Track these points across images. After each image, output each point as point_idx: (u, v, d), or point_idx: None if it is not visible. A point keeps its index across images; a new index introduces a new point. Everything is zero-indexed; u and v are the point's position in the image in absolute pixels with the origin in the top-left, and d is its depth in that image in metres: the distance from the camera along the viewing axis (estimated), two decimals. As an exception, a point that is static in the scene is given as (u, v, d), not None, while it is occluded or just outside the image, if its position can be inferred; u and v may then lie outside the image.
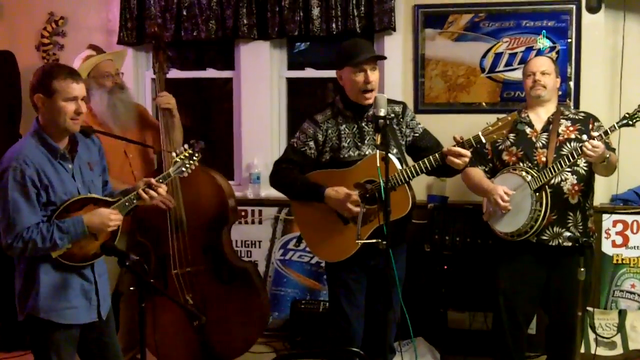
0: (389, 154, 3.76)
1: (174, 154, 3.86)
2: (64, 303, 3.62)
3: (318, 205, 4.21)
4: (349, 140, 4.23)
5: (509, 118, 3.95)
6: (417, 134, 4.35)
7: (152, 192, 3.71)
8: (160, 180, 3.78)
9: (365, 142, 4.23)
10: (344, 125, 4.24)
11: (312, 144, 4.26)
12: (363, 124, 4.24)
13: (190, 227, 4.95)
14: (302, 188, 4.26)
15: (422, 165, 4.03)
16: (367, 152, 4.21)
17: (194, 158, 3.87)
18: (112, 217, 3.61)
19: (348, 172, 4.19)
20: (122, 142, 4.81)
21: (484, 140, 3.95)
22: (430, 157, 4.02)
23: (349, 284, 4.30)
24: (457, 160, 3.94)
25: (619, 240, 5.41)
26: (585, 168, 4.48)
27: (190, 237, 4.94)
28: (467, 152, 3.93)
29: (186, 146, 3.88)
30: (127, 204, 3.70)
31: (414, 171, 4.05)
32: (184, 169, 3.85)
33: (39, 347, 3.69)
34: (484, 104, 5.72)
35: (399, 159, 4.16)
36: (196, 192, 4.96)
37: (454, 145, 3.94)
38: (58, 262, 3.57)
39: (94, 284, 3.72)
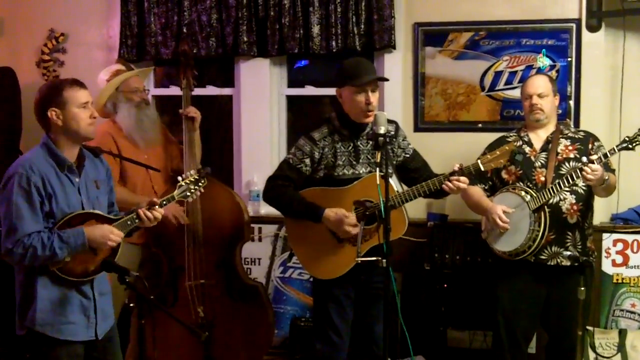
0: (380, 175, 3.77)
1: (179, 178, 3.89)
2: (61, 318, 3.61)
3: (312, 223, 4.21)
4: (344, 158, 4.24)
5: (507, 148, 4.10)
6: (407, 155, 4.40)
7: (151, 214, 3.72)
8: (164, 202, 3.79)
9: (360, 160, 4.25)
10: (339, 144, 4.25)
11: (308, 161, 4.26)
12: (359, 143, 4.26)
13: (207, 242, 4.95)
14: (299, 207, 4.24)
15: (420, 189, 4.10)
16: (361, 171, 4.24)
17: (200, 184, 3.90)
18: (114, 233, 3.61)
19: (345, 191, 4.21)
20: (142, 158, 4.88)
21: (482, 169, 4.08)
22: (429, 182, 4.09)
23: (340, 299, 4.33)
24: (454, 188, 4.03)
25: (619, 259, 5.39)
26: (584, 188, 4.48)
27: (206, 251, 4.95)
28: (466, 180, 4.04)
29: (193, 171, 3.91)
30: (128, 222, 3.70)
31: (412, 194, 4.11)
32: (188, 193, 3.87)
33: None
34: (479, 124, 5.72)
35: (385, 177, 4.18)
36: (215, 207, 4.99)
37: (454, 173, 4.02)
38: (56, 276, 3.56)
39: (92, 301, 3.71)
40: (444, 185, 4.03)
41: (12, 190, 3.49)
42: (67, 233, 3.52)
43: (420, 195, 4.11)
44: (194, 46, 5.97)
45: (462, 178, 4.02)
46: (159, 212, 3.75)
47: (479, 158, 4.15)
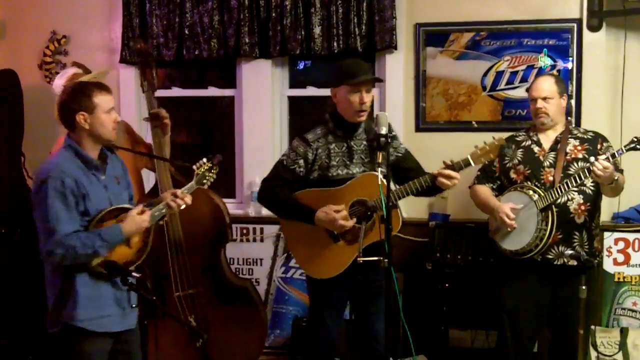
0: (381, 175, 3.82)
1: (194, 167, 3.96)
2: (99, 312, 3.69)
3: (307, 224, 4.23)
4: (338, 159, 4.27)
5: (496, 143, 4.16)
6: (400, 154, 4.43)
7: (179, 202, 3.83)
8: (185, 191, 3.89)
9: (354, 161, 4.28)
10: (333, 144, 4.28)
11: (301, 162, 4.28)
12: (352, 143, 4.29)
13: (190, 248, 4.86)
14: (292, 209, 4.28)
15: (412, 186, 4.14)
16: (354, 171, 4.27)
17: (213, 170, 4.00)
18: (144, 218, 3.70)
19: (338, 191, 4.23)
20: None
21: (472, 164, 4.13)
22: (421, 178, 4.14)
23: (332, 298, 4.38)
24: (447, 182, 4.09)
25: (620, 258, 5.39)
26: (592, 188, 4.48)
27: (190, 258, 4.86)
28: (457, 175, 4.08)
29: (205, 159, 3.99)
30: (156, 213, 3.79)
31: (405, 191, 4.15)
32: (204, 180, 3.97)
33: (71, 358, 3.74)
34: (474, 123, 5.71)
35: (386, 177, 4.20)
36: (194, 211, 4.83)
37: (444, 168, 4.08)
38: (93, 272, 3.64)
39: (126, 292, 3.77)
40: (437, 180, 4.07)
41: (47, 194, 3.55)
42: (105, 232, 3.61)
43: (413, 192, 4.14)
44: (196, 47, 5.98)
45: (453, 173, 4.06)
46: (189, 198, 3.87)
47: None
